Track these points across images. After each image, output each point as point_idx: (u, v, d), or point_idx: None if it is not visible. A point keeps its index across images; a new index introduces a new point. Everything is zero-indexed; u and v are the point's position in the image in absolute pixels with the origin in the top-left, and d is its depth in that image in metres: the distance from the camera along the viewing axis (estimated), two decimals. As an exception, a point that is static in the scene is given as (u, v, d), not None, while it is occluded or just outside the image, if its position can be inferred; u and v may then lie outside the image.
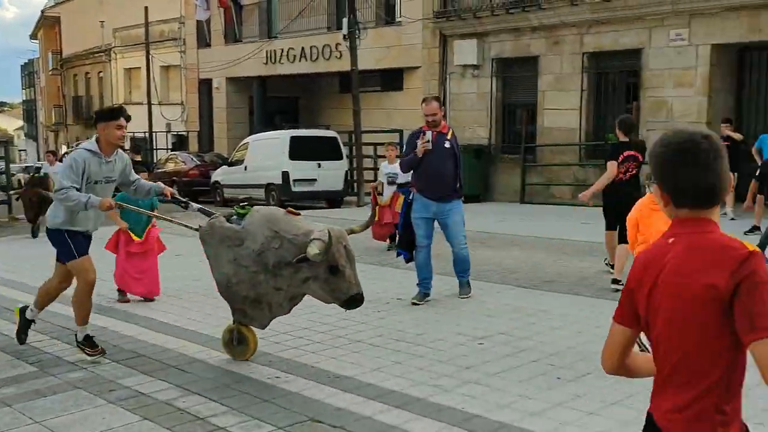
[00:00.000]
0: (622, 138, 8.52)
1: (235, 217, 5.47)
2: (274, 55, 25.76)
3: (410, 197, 7.76)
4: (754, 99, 15.49)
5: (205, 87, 29.93)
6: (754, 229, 11.20)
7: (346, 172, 20.01)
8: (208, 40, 29.19)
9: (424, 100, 7.77)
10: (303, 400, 4.63)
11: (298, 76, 25.84)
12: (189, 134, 31.60)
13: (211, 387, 4.91)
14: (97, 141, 5.61)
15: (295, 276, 4.98)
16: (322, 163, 19.31)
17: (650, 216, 5.62)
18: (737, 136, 13.30)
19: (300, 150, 19.05)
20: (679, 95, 15.47)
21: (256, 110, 27.10)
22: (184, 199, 6.09)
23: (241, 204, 5.68)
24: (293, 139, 19.38)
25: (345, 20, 19.31)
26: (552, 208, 16.44)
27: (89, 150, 5.56)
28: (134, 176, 6.00)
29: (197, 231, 5.58)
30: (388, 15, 22.38)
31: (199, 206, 6.01)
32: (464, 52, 19.33)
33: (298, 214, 5.42)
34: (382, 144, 13.65)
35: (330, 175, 19.29)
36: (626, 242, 7.82)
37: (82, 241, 5.62)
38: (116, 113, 5.63)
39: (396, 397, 4.68)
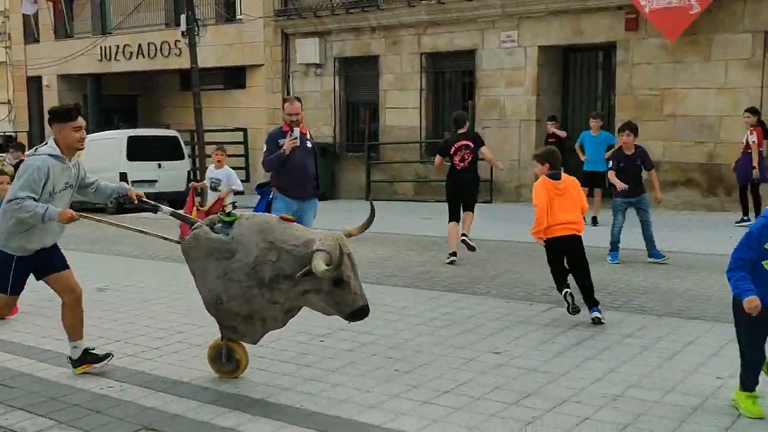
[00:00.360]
0: (457, 131, 9.17)
1: (220, 225, 4.87)
2: (109, 51, 24.65)
3: (271, 197, 7.87)
4: (578, 97, 16.53)
5: (34, 85, 28.20)
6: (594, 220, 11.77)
7: (189, 172, 19.52)
8: (36, 35, 27.51)
9: (286, 100, 7.90)
10: (137, 409, 4.51)
11: (135, 73, 24.90)
12: (17, 135, 29.68)
13: (38, 402, 4.67)
14: (57, 143, 5.00)
15: (294, 289, 4.52)
16: (163, 163, 18.74)
17: (554, 200, 6.30)
18: (562, 133, 14.15)
19: (139, 150, 18.41)
20: (510, 94, 16.24)
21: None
22: (151, 202, 5.49)
23: (224, 210, 5.07)
24: (131, 138, 18.68)
25: (183, 16, 18.80)
26: (396, 204, 16.81)
27: (53, 155, 4.92)
28: (91, 178, 5.37)
29: (179, 244, 5.00)
30: (228, 12, 22.01)
31: (172, 210, 5.46)
32: (306, 50, 19.34)
33: (293, 221, 4.95)
34: (224, 143, 13.44)
35: (171, 175, 18.75)
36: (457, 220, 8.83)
37: (27, 267, 5.02)
38: (73, 113, 4.97)
39: (234, 399, 4.65)
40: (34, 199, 4.74)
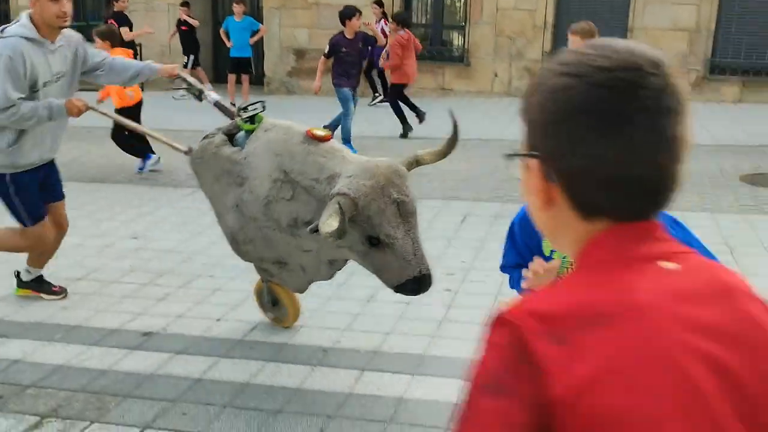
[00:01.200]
0: None
1: (242, 133, 3.58)
2: None
3: None
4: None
5: None
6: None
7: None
8: None
9: None
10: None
11: None
12: None
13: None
14: (32, 20, 3.74)
15: (324, 239, 2.99)
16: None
17: None
18: (194, 22, 13.38)
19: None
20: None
21: None
22: (192, 82, 4.15)
23: (245, 107, 3.58)
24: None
25: None
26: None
27: (26, 38, 3.67)
28: (99, 55, 4.11)
29: (187, 155, 3.79)
30: None
31: (217, 98, 4.02)
32: None
33: (327, 138, 3.34)
34: None
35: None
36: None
37: (33, 187, 3.97)
38: None
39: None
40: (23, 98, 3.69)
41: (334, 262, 3.47)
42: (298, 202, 3.21)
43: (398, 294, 3.10)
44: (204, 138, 3.68)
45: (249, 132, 3.48)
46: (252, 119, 3.50)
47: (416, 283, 3.00)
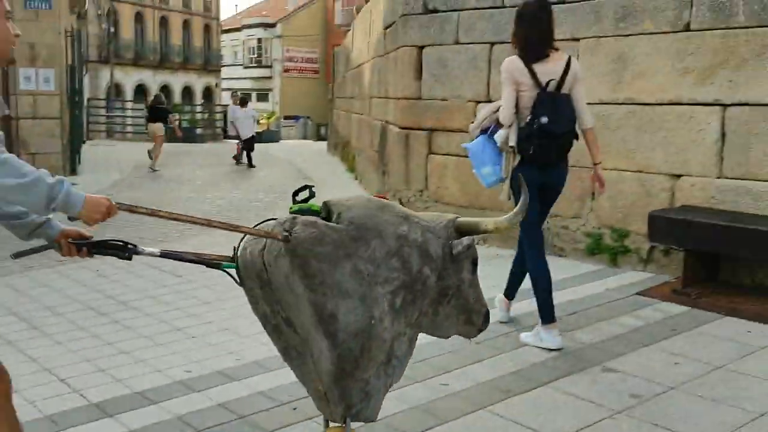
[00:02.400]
0: None
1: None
2: None
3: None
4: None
5: None
6: None
7: None
8: None
9: None
10: None
11: None
12: None
13: None
14: None
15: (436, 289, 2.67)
16: None
17: None
18: None
19: None
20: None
21: None
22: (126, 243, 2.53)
23: (299, 192, 2.76)
24: None
25: None
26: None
27: None
28: None
29: (284, 242, 2.44)
30: None
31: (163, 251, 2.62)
32: None
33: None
34: None
35: None
36: None
37: None
38: None
39: None
40: None
41: (412, 342, 2.75)
42: (428, 242, 2.72)
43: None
44: (297, 219, 2.56)
45: (315, 211, 2.72)
46: (306, 201, 2.78)
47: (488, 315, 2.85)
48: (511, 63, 4.39)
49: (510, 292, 4.97)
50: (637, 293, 5.53)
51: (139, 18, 43.44)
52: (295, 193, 2.76)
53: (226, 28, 55.02)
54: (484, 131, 4.55)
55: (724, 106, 5.63)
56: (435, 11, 7.61)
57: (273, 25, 53.97)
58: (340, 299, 2.50)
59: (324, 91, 36.22)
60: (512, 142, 4.37)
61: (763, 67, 5.41)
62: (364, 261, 2.57)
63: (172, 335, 4.71)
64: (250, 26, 55.49)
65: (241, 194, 12.01)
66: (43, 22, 12.91)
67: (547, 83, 4.31)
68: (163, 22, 45.33)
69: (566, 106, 4.37)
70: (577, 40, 6.48)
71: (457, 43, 7.43)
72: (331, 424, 2.59)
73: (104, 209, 2.35)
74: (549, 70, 4.34)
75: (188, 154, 17.81)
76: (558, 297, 5.44)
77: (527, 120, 4.32)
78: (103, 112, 32.04)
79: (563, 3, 6.56)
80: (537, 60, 4.35)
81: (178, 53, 45.93)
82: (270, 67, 54.32)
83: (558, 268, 6.32)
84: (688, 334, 4.65)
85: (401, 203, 8.03)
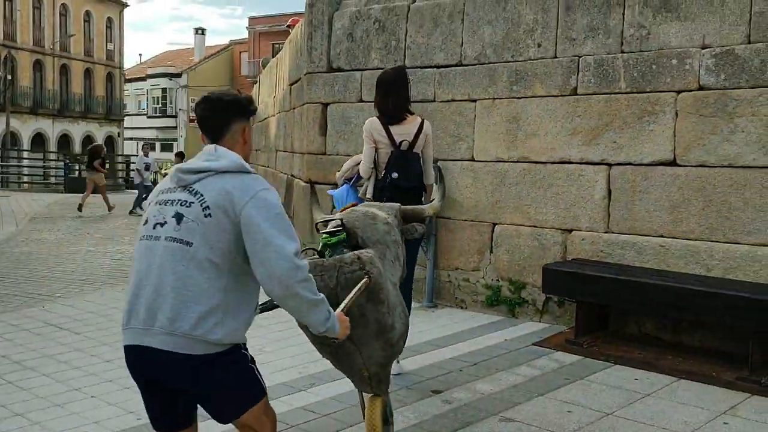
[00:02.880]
0: None
1: (328, 252, 3.24)
2: None
3: None
4: None
5: None
6: None
7: None
8: None
9: None
10: None
11: None
12: None
13: None
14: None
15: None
16: None
17: None
18: None
19: None
20: None
21: None
22: None
23: (328, 229, 3.29)
24: None
25: None
26: None
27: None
28: None
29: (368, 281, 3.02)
30: None
31: None
32: None
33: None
34: None
35: None
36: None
37: None
38: None
39: None
40: None
41: None
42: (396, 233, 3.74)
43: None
44: (347, 255, 3.12)
45: (335, 245, 3.27)
46: (333, 235, 3.31)
47: None
48: (371, 123, 4.99)
49: None
50: (534, 343, 5.76)
51: (38, 65, 42.32)
52: (324, 224, 3.34)
53: (130, 77, 54.25)
54: (347, 180, 5.20)
55: (610, 165, 6.01)
56: (339, 70, 7.82)
57: (178, 75, 53.60)
58: (393, 311, 3.22)
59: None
60: (369, 194, 4.95)
61: (644, 129, 5.82)
62: (389, 273, 3.27)
63: (71, 395, 4.60)
64: (154, 76, 54.92)
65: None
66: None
67: (401, 143, 4.90)
68: (64, 70, 44.29)
69: (416, 164, 4.96)
70: (474, 101, 6.79)
71: (360, 101, 7.65)
72: (375, 398, 3.40)
73: (347, 324, 2.74)
74: (403, 131, 4.94)
75: (90, 206, 17.35)
76: (459, 348, 5.63)
77: (382, 174, 4.92)
78: (-3, 161, 30.92)
79: (461, 65, 6.88)
80: (393, 122, 4.93)
81: (79, 102, 44.88)
82: (175, 116, 53.76)
83: (460, 319, 6.53)
84: (581, 382, 4.88)
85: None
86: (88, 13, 45.91)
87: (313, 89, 8.05)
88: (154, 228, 2.52)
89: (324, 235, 3.30)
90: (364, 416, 3.57)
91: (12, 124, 37.82)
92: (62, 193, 24.60)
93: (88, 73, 46.05)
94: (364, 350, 3.19)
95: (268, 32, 50.05)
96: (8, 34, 39.81)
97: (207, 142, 2.70)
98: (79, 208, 16.63)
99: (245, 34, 54.20)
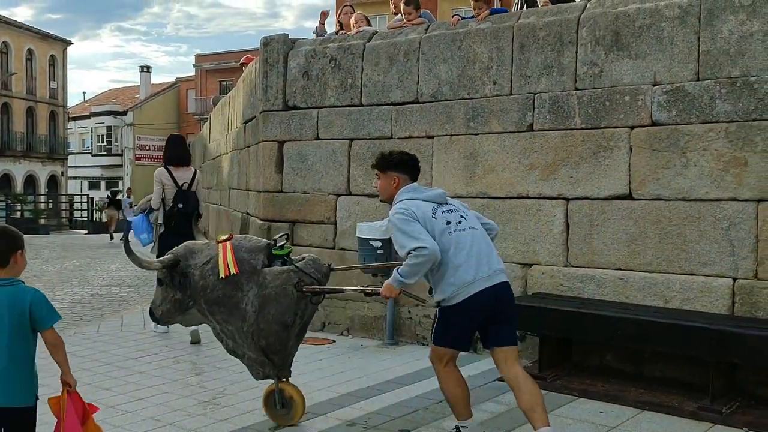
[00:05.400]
0: None
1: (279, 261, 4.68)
2: None
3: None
4: None
5: None
6: None
7: None
8: None
9: None
10: None
11: None
12: None
13: None
14: None
15: None
16: None
17: None
18: None
19: None
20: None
21: None
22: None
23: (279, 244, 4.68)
24: None
25: None
26: None
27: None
28: None
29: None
30: None
31: None
32: None
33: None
34: None
35: None
36: None
37: None
38: None
39: None
40: None
41: None
42: None
43: None
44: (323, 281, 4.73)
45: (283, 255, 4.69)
46: (282, 248, 4.69)
47: None
48: (160, 171, 7.67)
49: None
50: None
51: (-23, 104, 41.40)
52: (275, 241, 4.70)
53: (74, 115, 53.39)
54: (142, 211, 7.68)
55: (567, 199, 6.11)
56: (295, 108, 7.82)
57: (123, 113, 52.95)
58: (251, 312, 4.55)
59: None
60: (160, 220, 7.53)
61: (599, 164, 5.94)
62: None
63: None
64: (99, 114, 54.14)
65: (92, 290, 11.51)
66: None
67: (182, 184, 7.58)
68: (5, 109, 43.37)
69: (193, 198, 7.65)
70: (432, 137, 6.86)
71: (317, 138, 7.65)
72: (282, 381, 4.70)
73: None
74: (183, 176, 7.65)
75: (32, 247, 16.89)
76: (424, 386, 5.59)
77: (170, 206, 7.51)
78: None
79: (417, 103, 6.95)
80: (176, 169, 7.65)
81: (21, 141, 43.92)
82: (120, 155, 52.99)
83: (422, 356, 6.47)
84: (547, 417, 4.88)
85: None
86: (30, 51, 45.17)
87: (268, 127, 8.03)
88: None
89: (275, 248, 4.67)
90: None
91: (-49, 163, 36.85)
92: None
93: (30, 112, 45.16)
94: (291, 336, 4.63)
95: (215, 69, 49.90)
96: (-53, 72, 38.91)
97: None
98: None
99: (191, 72, 53.93)
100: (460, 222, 4.13)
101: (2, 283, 3.21)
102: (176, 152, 7.80)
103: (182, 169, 7.65)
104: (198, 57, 52.63)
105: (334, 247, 7.54)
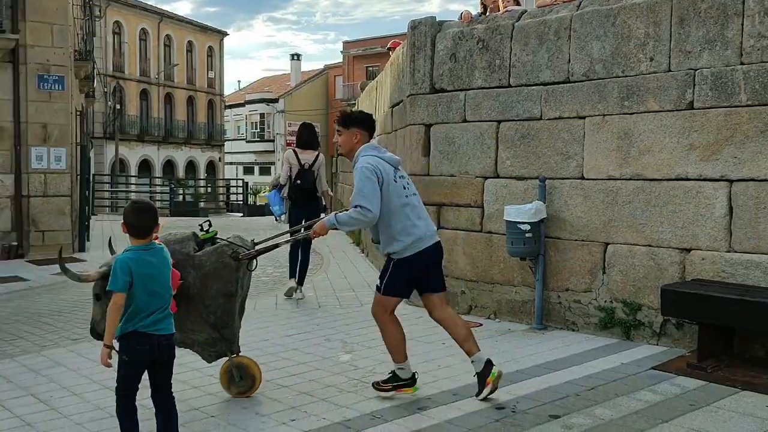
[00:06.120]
0: None
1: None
2: None
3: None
4: None
5: None
6: None
7: None
8: None
9: None
10: None
11: None
12: None
13: None
14: None
15: None
16: None
17: None
18: None
19: None
20: None
21: None
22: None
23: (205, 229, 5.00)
24: None
25: None
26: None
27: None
28: None
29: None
30: None
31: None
32: None
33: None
34: None
35: None
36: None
37: None
38: None
39: None
40: None
41: None
42: None
43: None
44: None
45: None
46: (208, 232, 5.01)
47: None
48: (289, 152, 9.01)
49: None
50: (653, 367, 5.54)
51: (144, 95, 44.28)
52: (201, 227, 5.01)
53: (230, 103, 56.03)
54: (274, 187, 9.23)
55: (731, 181, 5.76)
56: (442, 90, 7.82)
57: (275, 100, 54.95)
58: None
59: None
60: (285, 194, 8.98)
61: (767, 143, 5.55)
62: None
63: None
64: (252, 102, 56.51)
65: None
66: (56, 103, 13.22)
67: (305, 164, 8.77)
68: (168, 99, 46.17)
69: (311, 176, 8.77)
70: (583, 117, 6.66)
71: (464, 121, 7.62)
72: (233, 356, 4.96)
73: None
74: (307, 157, 8.82)
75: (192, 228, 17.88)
76: (574, 372, 5.46)
77: (294, 182, 8.76)
78: (107, 187, 32.40)
79: (568, 82, 6.76)
80: (303, 152, 8.85)
81: (183, 129, 46.64)
82: (272, 140, 55.09)
83: (572, 342, 6.36)
84: (707, 409, 4.65)
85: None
86: (190, 43, 47.77)
87: (415, 111, 8.08)
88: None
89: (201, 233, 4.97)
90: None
91: (120, 150, 39.67)
92: (168, 216, 25.48)
93: (190, 101, 47.84)
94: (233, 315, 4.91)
95: (362, 55, 50.78)
96: (117, 65, 41.84)
97: None
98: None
99: (339, 59, 55.18)
100: (409, 187, 4.85)
101: (153, 245, 3.83)
102: (304, 138, 9.00)
103: (308, 152, 8.83)
104: (345, 44, 53.76)
105: (481, 230, 7.50)
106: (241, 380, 4.97)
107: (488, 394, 4.77)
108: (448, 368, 5.59)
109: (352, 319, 7.53)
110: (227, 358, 4.97)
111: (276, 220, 13.36)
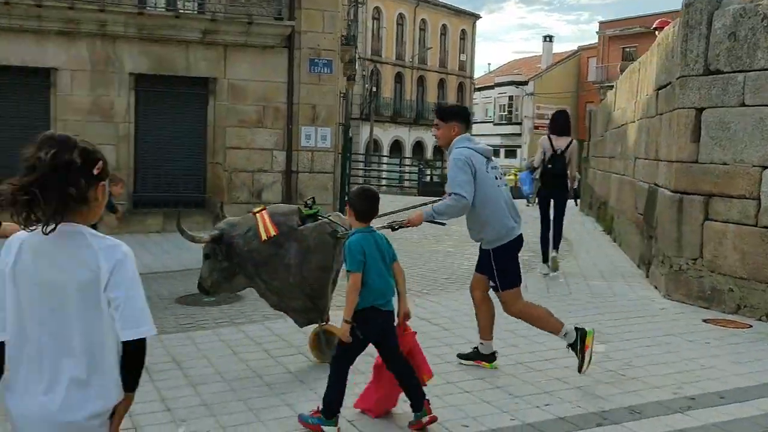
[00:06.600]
0: None
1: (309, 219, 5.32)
2: None
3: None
4: None
5: None
6: None
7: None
8: None
9: None
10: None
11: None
12: None
13: None
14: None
15: None
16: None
17: None
18: None
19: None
20: None
21: None
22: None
23: (309, 205, 5.33)
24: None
25: None
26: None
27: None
28: None
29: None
30: None
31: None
32: None
33: None
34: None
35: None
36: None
37: None
38: None
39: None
40: None
41: None
42: None
43: None
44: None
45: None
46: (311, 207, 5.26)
47: None
48: (543, 138, 9.50)
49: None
50: None
51: (399, 78, 45.99)
52: (305, 203, 5.26)
53: (479, 86, 56.47)
54: (528, 168, 9.95)
55: None
56: (717, 72, 7.27)
57: (525, 83, 54.47)
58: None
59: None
60: (537, 176, 9.42)
61: None
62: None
63: (446, 387, 4.83)
64: (502, 84, 56.47)
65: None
66: (324, 85, 14.15)
67: (557, 150, 9.27)
68: (421, 82, 47.57)
69: (562, 161, 9.26)
70: None
71: (742, 105, 7.03)
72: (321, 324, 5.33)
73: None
74: (560, 143, 9.30)
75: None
76: None
77: (546, 166, 9.26)
78: (361, 165, 34.20)
79: None
80: (557, 138, 9.33)
81: (433, 111, 47.81)
82: (519, 123, 54.76)
83: None
84: None
85: (671, 269, 7.66)
86: (444, 27, 48.78)
87: (686, 93, 7.59)
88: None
89: (305, 209, 5.22)
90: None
91: (375, 131, 41.63)
92: (415, 195, 26.28)
93: (441, 84, 48.94)
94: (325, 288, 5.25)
95: (618, 36, 48.70)
96: (375, 49, 43.85)
97: None
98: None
99: (591, 40, 53.40)
100: (500, 178, 5.04)
101: (371, 229, 4.10)
102: (558, 125, 9.45)
103: (561, 139, 9.32)
104: (602, 24, 51.84)
105: (756, 225, 6.91)
106: (328, 347, 5.16)
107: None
108: (712, 369, 5.25)
109: (605, 308, 7.31)
110: (317, 325, 5.35)
111: (527, 204, 13.34)
